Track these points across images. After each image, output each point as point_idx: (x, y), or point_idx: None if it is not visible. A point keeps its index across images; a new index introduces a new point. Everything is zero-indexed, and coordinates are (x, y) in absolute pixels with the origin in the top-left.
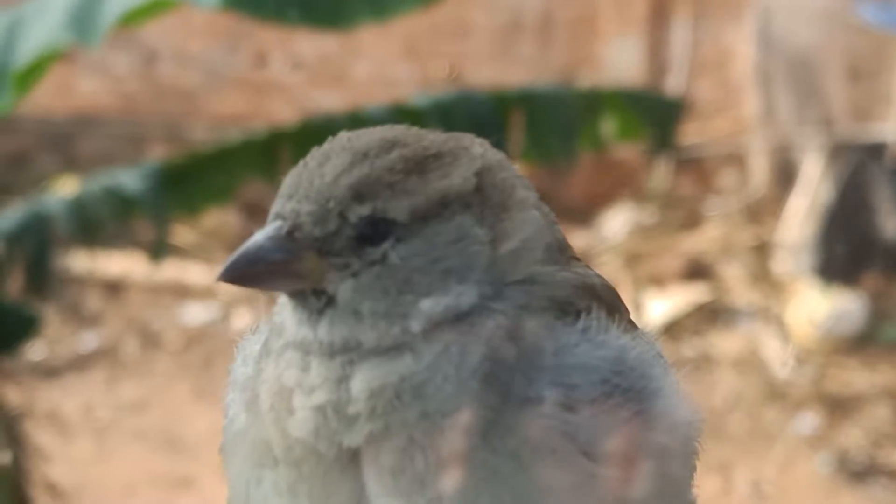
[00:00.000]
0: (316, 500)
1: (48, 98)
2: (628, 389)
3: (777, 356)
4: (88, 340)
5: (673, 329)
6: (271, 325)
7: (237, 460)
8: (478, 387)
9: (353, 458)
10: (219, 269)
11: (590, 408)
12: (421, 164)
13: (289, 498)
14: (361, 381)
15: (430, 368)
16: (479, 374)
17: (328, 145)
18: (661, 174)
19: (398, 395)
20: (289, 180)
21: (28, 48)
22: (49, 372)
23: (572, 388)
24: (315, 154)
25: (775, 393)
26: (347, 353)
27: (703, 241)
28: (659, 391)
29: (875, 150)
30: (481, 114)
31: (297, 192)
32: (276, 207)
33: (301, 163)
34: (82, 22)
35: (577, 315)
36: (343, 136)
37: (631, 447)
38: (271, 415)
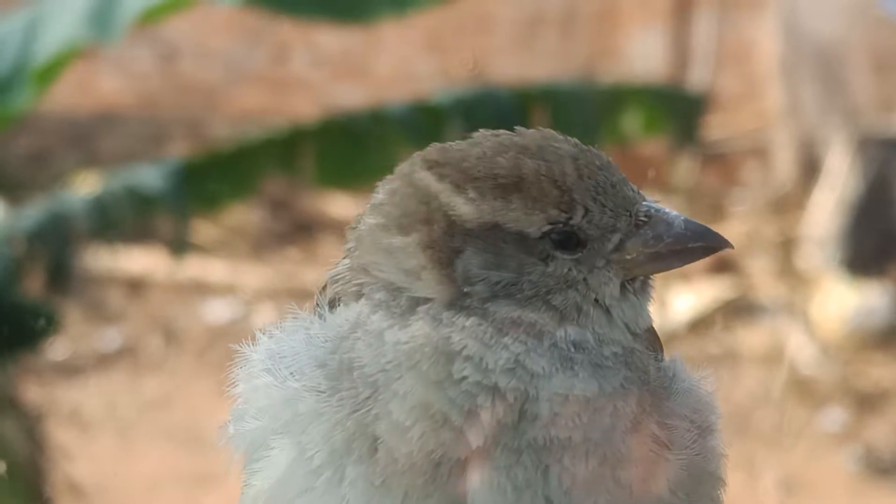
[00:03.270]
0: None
1: (69, 95)
2: (700, 427)
3: (803, 351)
4: (110, 338)
5: (699, 325)
6: (388, 305)
7: (292, 443)
8: (626, 428)
9: (461, 467)
10: (718, 240)
11: (680, 449)
12: None
13: (381, 494)
14: (549, 399)
15: (610, 397)
16: (631, 418)
17: (571, 147)
18: (685, 168)
19: (575, 419)
20: (594, 182)
21: (48, 45)
22: (71, 370)
23: (672, 430)
24: (581, 154)
25: (802, 388)
26: (565, 362)
27: (728, 235)
28: (715, 427)
29: None
30: (503, 110)
31: (624, 189)
32: (627, 202)
33: (581, 163)
34: (102, 19)
35: (657, 356)
36: (560, 139)
37: (701, 484)
38: (410, 413)
